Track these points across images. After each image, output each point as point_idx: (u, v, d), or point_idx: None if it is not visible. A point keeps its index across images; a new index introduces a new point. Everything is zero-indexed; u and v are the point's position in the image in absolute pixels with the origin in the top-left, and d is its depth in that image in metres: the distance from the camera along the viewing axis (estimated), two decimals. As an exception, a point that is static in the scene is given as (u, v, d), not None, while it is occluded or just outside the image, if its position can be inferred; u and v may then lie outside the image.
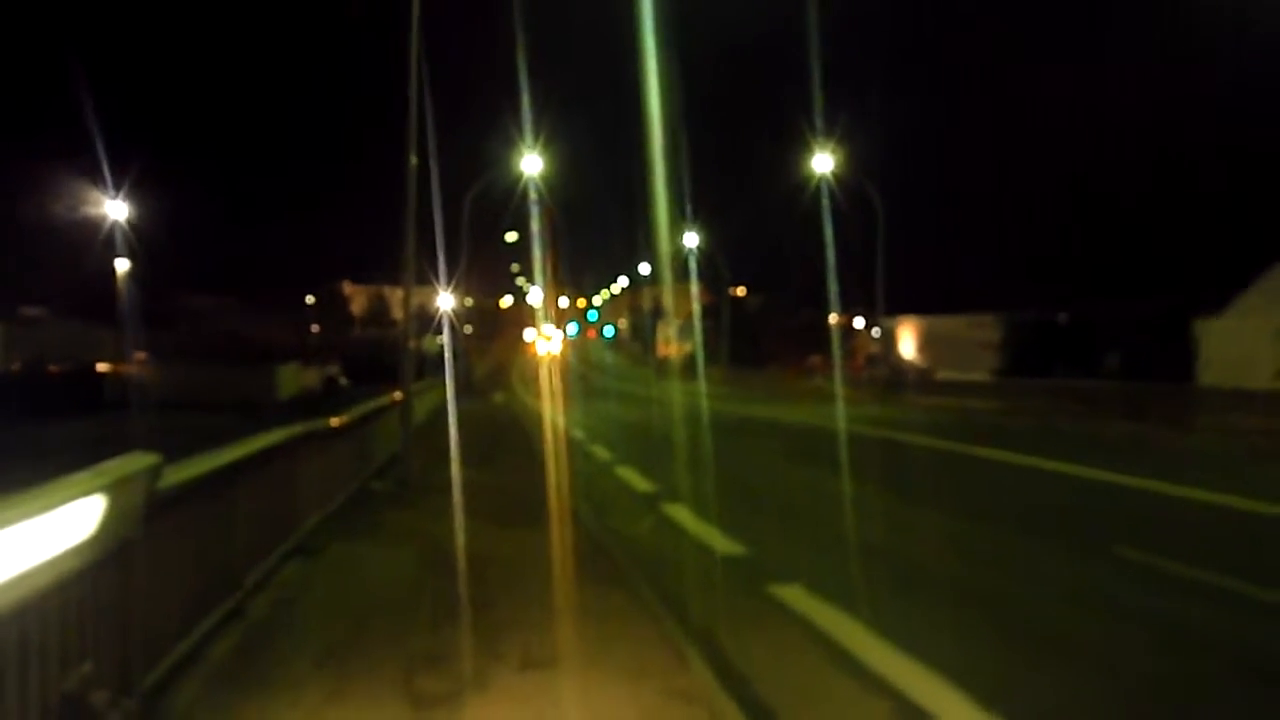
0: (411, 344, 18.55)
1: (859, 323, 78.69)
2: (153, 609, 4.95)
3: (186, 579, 5.63)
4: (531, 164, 39.41)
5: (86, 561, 4.07)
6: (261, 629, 6.46)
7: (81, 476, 4.04)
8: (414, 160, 13.44)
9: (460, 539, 9.94)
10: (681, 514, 12.00)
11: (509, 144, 38.78)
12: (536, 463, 17.44)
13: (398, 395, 16.69)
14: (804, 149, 42.39)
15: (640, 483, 15.08)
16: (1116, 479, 15.01)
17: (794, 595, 7.91)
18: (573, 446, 21.34)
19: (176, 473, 5.17)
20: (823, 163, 41.37)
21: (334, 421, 10.66)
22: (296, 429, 8.55)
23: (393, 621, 6.78)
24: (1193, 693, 5.94)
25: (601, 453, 19.70)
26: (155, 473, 4.70)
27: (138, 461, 4.53)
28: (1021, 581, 8.81)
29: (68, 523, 3.81)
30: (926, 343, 72.13)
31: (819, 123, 40.63)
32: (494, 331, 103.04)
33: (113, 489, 4.16)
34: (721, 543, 10.17)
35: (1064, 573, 9.07)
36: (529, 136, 38.00)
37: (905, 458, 19.23)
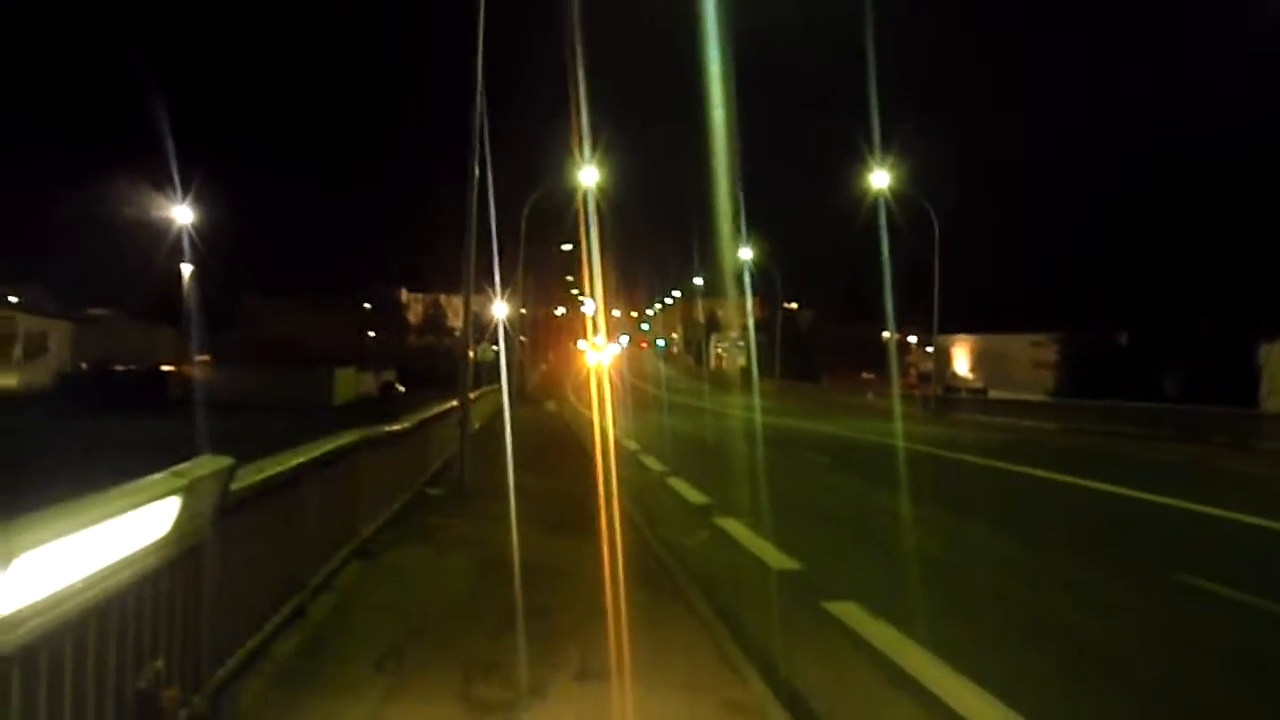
0: (481, 353, 18.66)
1: (912, 339, 78.06)
2: (221, 608, 5.06)
3: (254, 579, 5.75)
4: (588, 175, 39.61)
5: (163, 560, 4.18)
6: (323, 630, 6.57)
7: (160, 477, 4.16)
8: (476, 172, 13.58)
9: (515, 546, 10.01)
10: (735, 527, 11.98)
11: (566, 154, 39.03)
12: (589, 471, 17.50)
13: (454, 402, 16.88)
14: (861, 164, 42.25)
15: (693, 495, 15.08)
16: (1177, 503, 14.73)
17: (849, 612, 7.86)
18: (625, 456, 21.40)
19: (248, 475, 5.29)
20: (879, 179, 41.13)
21: (394, 427, 10.80)
22: (358, 434, 8.67)
23: (451, 627, 6.86)
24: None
25: (654, 464, 19.73)
26: (229, 475, 4.82)
27: (213, 463, 4.64)
28: (1082, 607, 8.69)
29: (147, 522, 3.92)
30: (980, 361, 71.33)
31: (876, 138, 40.45)
32: (547, 341, 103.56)
33: (189, 490, 4.27)
34: (775, 557, 10.16)
35: (1127, 598, 8.94)
36: (586, 147, 38.20)
37: (960, 477, 19.03)
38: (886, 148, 40.64)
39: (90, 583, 3.47)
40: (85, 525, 3.33)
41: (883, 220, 41.57)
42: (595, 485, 15.73)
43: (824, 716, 5.64)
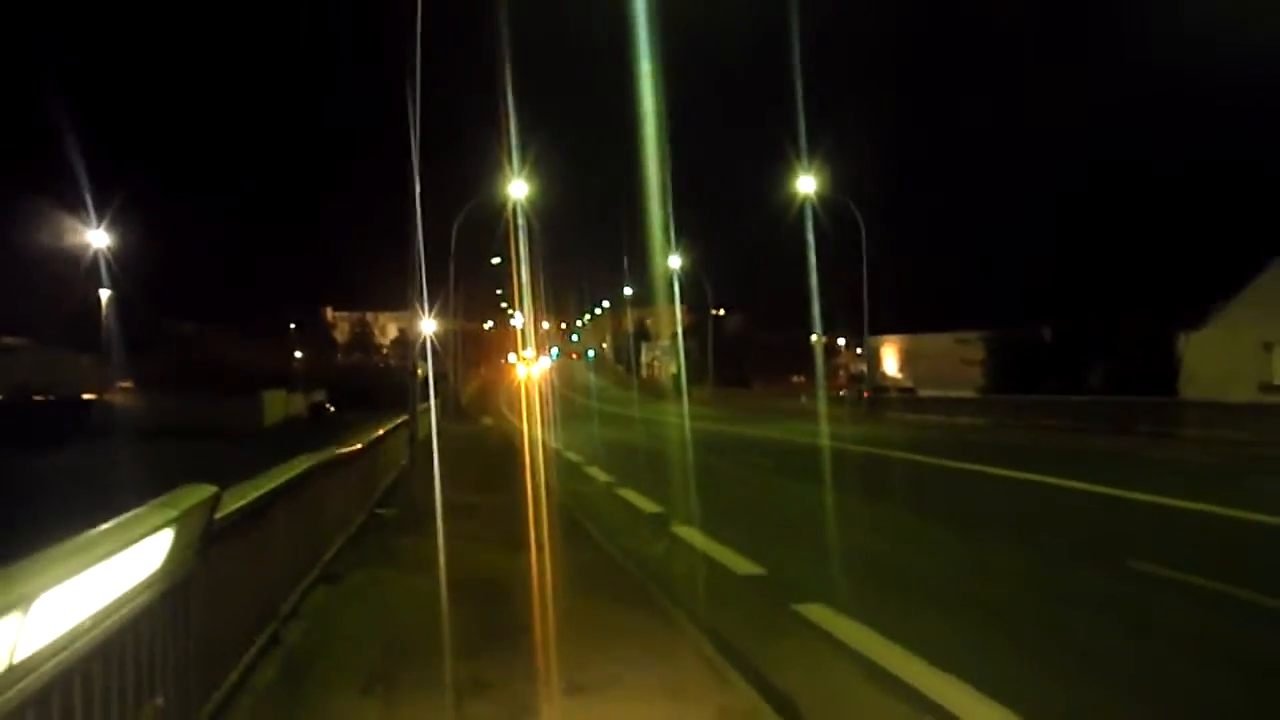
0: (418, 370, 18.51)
1: (841, 341, 79.12)
2: (206, 640, 4.96)
3: (233, 608, 5.63)
4: (517, 188, 39.52)
5: (156, 594, 4.09)
6: (301, 656, 6.45)
7: (152, 509, 4.06)
8: (418, 188, 13.49)
9: (479, 564, 9.96)
10: (692, 534, 12.04)
11: (496, 165, 38.89)
12: (537, 485, 17.43)
13: (396, 422, 16.71)
14: (787, 169, 42.74)
15: (645, 504, 15.11)
16: (1108, 491, 15.17)
17: (819, 613, 7.95)
18: (570, 469, 21.36)
19: (227, 503, 5.19)
20: (806, 183, 41.63)
21: (347, 449, 10.66)
22: (318, 457, 8.54)
23: (429, 648, 6.78)
24: (1208, 693, 6.06)
25: (600, 474, 19.71)
26: (214, 504, 4.72)
27: (199, 493, 4.55)
28: (1040, 594, 8.90)
29: (144, 556, 3.83)
30: (909, 361, 72.50)
31: (802, 143, 40.95)
32: (477, 355, 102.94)
33: (180, 521, 4.18)
34: (738, 562, 10.22)
35: (1079, 584, 9.16)
36: (514, 160, 38.09)
37: (900, 475, 19.33)
38: (814, 153, 41.18)
39: (96, 621, 3.38)
40: (93, 562, 3.25)
41: (809, 224, 42.11)
42: (545, 499, 15.67)
43: (815, 718, 5.69)
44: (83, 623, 3.26)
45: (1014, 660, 6.83)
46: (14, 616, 2.70)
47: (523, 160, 37.97)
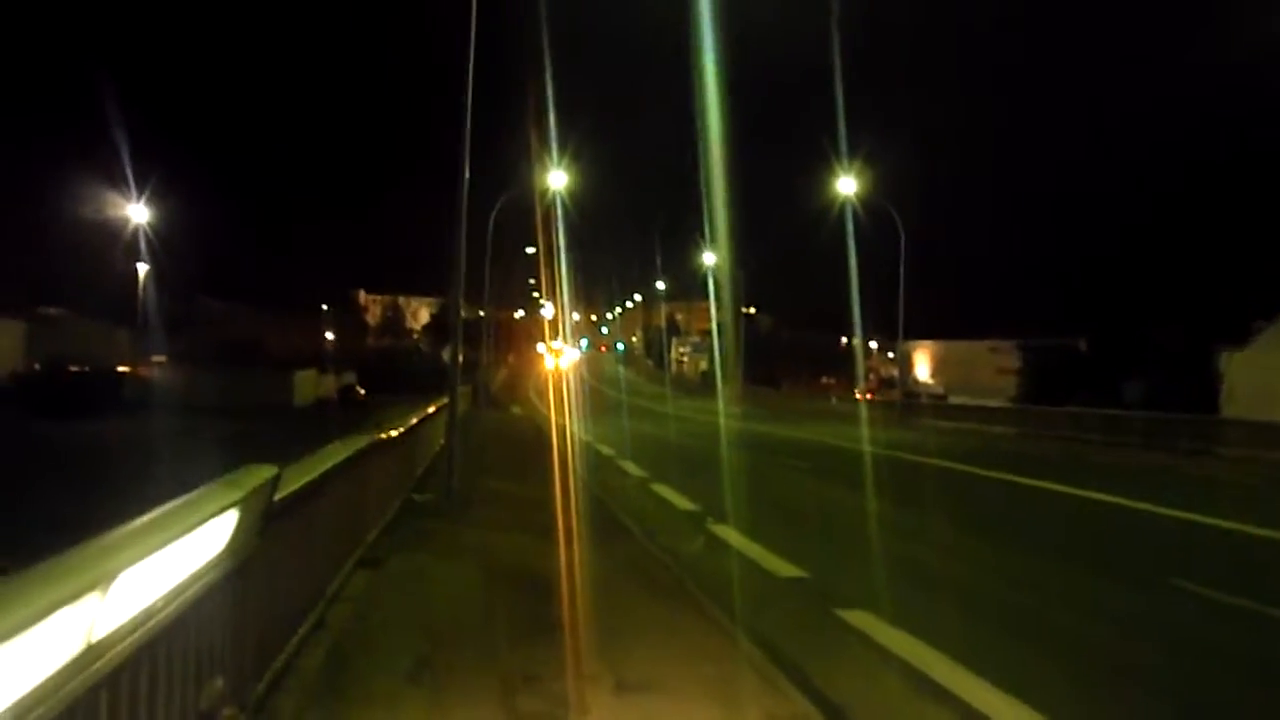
0: (445, 355, 18.43)
1: (873, 345, 78.69)
2: (259, 621, 4.91)
3: (284, 591, 5.59)
4: (556, 178, 39.42)
5: (220, 574, 4.03)
6: (346, 641, 6.40)
7: (218, 489, 4.01)
8: (467, 177, 13.42)
9: (517, 553, 9.92)
10: (730, 534, 11.93)
11: (526, 155, 38.79)
12: (571, 477, 17.38)
13: (430, 408, 16.66)
14: (824, 171, 42.43)
15: (680, 501, 15.01)
16: (1151, 508, 14.92)
17: (863, 620, 7.84)
18: (603, 462, 21.30)
19: (285, 484, 5.13)
20: (846, 185, 41.30)
21: (391, 433, 10.62)
22: (368, 439, 8.52)
23: (474, 638, 6.72)
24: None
25: (633, 469, 19.63)
26: (274, 485, 4.67)
27: (262, 473, 4.49)
28: (1083, 611, 8.73)
29: (211, 536, 3.78)
30: (941, 367, 72.02)
31: (842, 145, 40.66)
32: (507, 344, 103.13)
33: (245, 501, 4.12)
34: (778, 564, 10.12)
35: (1123, 601, 8.99)
36: (554, 151, 38.02)
37: (937, 483, 19.14)
38: (853, 155, 40.87)
39: (167, 601, 3.33)
40: (168, 541, 3.19)
41: (849, 226, 41.80)
42: (579, 491, 15.62)
43: (866, 729, 5.59)
44: (155, 603, 3.20)
45: (1063, 677, 6.69)
46: (94, 595, 2.64)
47: (562, 150, 37.89)
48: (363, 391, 63.53)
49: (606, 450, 23.98)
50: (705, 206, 60.78)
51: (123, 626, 2.92)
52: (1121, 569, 10.62)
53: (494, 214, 41.80)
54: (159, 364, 54.28)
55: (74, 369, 47.94)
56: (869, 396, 56.67)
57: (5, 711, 2.22)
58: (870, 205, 41.85)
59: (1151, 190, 46.79)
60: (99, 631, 2.74)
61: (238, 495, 4.04)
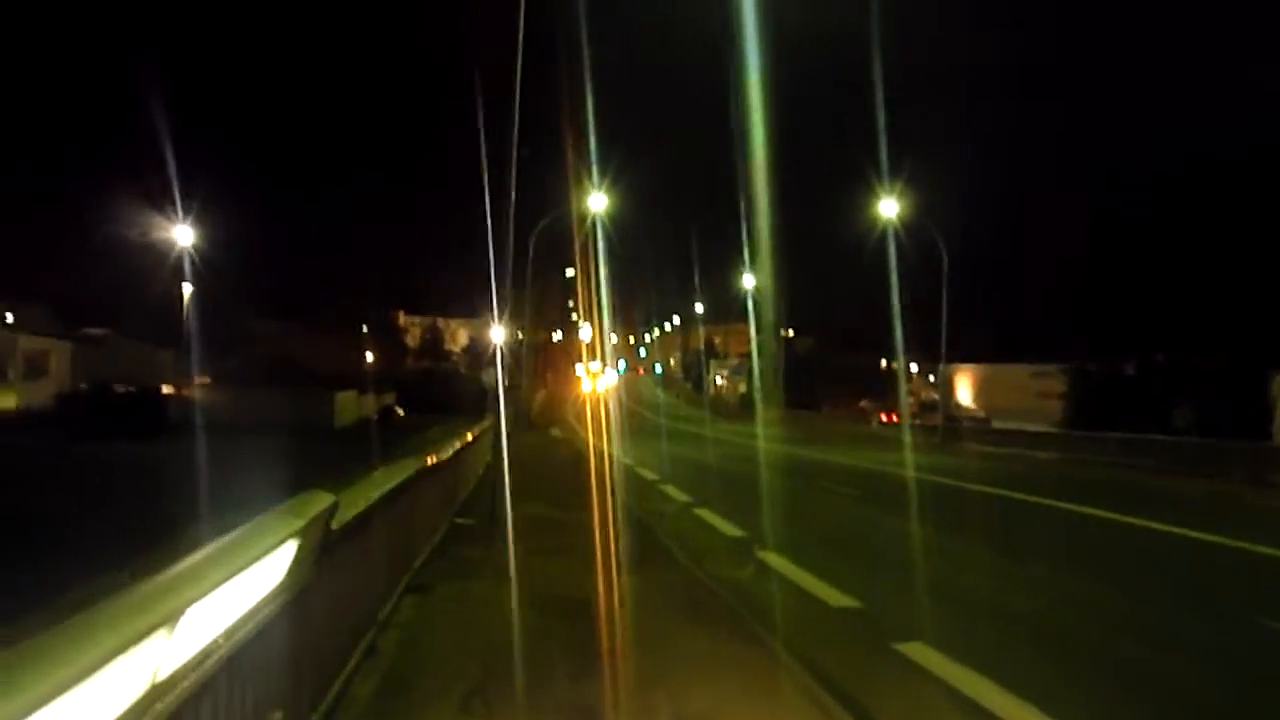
0: (485, 378, 18.44)
1: (913, 368, 78.00)
2: (315, 650, 4.81)
3: (338, 618, 5.50)
4: (596, 201, 39.57)
5: (278, 606, 3.94)
6: (397, 669, 6.31)
7: (277, 519, 3.92)
8: (514, 200, 13.38)
9: (564, 580, 9.78)
10: (779, 562, 11.71)
11: (568, 180, 38.97)
12: (614, 502, 17.24)
13: (472, 433, 16.62)
14: (869, 194, 42.17)
15: (726, 527, 14.81)
16: (1230, 542, 14.48)
17: (922, 653, 7.61)
18: (645, 486, 21.14)
19: (341, 511, 5.05)
20: (888, 207, 41.03)
21: (439, 457, 10.56)
22: (413, 465, 8.45)
23: (525, 666, 6.60)
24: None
25: (676, 493, 19.45)
26: (332, 513, 4.58)
27: (319, 501, 4.41)
28: (1149, 643, 8.44)
29: (273, 567, 3.69)
30: (983, 390, 71.17)
31: (884, 165, 40.42)
32: (544, 366, 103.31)
33: (304, 531, 4.04)
34: (829, 594, 9.90)
35: (1214, 641, 8.68)
36: (594, 173, 38.17)
37: (990, 510, 18.78)
38: (895, 176, 40.62)
39: (229, 634, 3.24)
40: (233, 574, 3.10)
41: (891, 248, 41.47)
42: (625, 516, 15.48)
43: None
44: (218, 638, 3.11)
45: (1126, 713, 6.44)
46: (162, 633, 2.54)
47: (602, 172, 38.01)
48: (402, 412, 63.86)
49: (649, 474, 23.81)
50: (745, 228, 60.60)
51: (187, 663, 2.83)
52: (1198, 602, 10.28)
53: (533, 237, 42.00)
54: (203, 385, 54.83)
55: (119, 390, 48.54)
56: (913, 420, 56.08)
57: None
58: (912, 226, 41.58)
59: (1199, 208, 45.98)
60: (164, 670, 2.65)
61: (298, 525, 3.96)
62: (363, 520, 5.74)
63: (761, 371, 71.58)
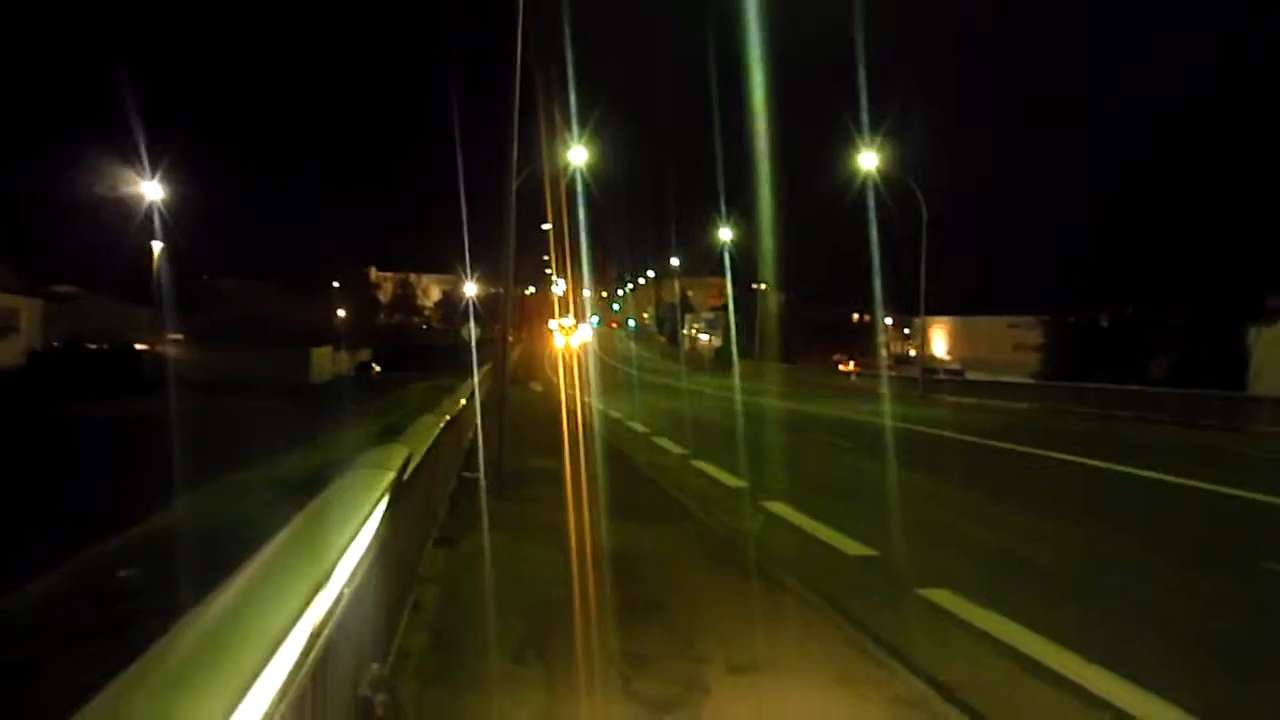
0: (464, 333, 18.33)
1: (888, 322, 78.46)
2: (384, 603, 4.85)
3: (393, 571, 5.53)
4: (577, 155, 39.18)
5: (372, 559, 3.97)
6: (443, 623, 6.36)
7: (373, 472, 3.94)
8: (515, 158, 13.28)
9: (583, 530, 9.85)
10: (787, 511, 11.85)
11: (547, 130, 38.52)
12: (611, 454, 17.35)
13: (460, 398, 16.58)
14: (844, 146, 42.12)
15: (726, 477, 14.94)
16: (1200, 484, 14.79)
17: (947, 599, 7.76)
18: (638, 439, 21.24)
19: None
20: (868, 160, 40.98)
21: (449, 414, 10.57)
22: (436, 420, 8.45)
23: (568, 617, 6.67)
24: None
25: (670, 445, 19.57)
26: (406, 465, 4.60)
27: (398, 454, 4.43)
28: (1160, 586, 8.64)
29: (373, 521, 3.71)
30: (959, 343, 71.81)
31: (864, 118, 40.34)
32: (520, 321, 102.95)
33: (391, 486, 4.06)
34: (845, 542, 10.03)
35: (1228, 588, 8.89)
36: (573, 125, 37.75)
37: (980, 460, 19.05)
38: (874, 130, 40.53)
39: (350, 583, 3.26)
40: (360, 526, 3.12)
41: (870, 201, 41.53)
42: (624, 468, 15.59)
43: (984, 710, 5.50)
44: (342, 589, 3.13)
45: (1161, 653, 6.59)
46: (321, 595, 2.56)
47: (581, 124, 37.62)
48: (378, 368, 63.59)
49: (640, 428, 23.91)
50: (721, 181, 60.44)
51: (325, 615, 2.85)
52: (1202, 547, 10.50)
53: (514, 190, 41.61)
54: (176, 342, 54.30)
55: (92, 347, 47.96)
56: (887, 371, 56.51)
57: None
58: (891, 181, 41.60)
59: (1173, 161, 46.17)
60: (314, 622, 2.67)
61: (389, 477, 3.98)
62: (415, 472, 5.76)
63: (738, 325, 71.71)
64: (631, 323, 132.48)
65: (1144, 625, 7.42)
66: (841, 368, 67.80)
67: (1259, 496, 13.82)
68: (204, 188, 63.60)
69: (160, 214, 57.56)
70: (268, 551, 2.47)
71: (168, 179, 57.11)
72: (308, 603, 2.27)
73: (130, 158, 55.21)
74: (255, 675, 1.87)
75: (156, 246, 58.60)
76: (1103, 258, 44.87)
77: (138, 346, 50.08)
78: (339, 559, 2.66)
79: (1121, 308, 44.50)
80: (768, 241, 65.11)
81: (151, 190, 56.60)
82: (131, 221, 57.16)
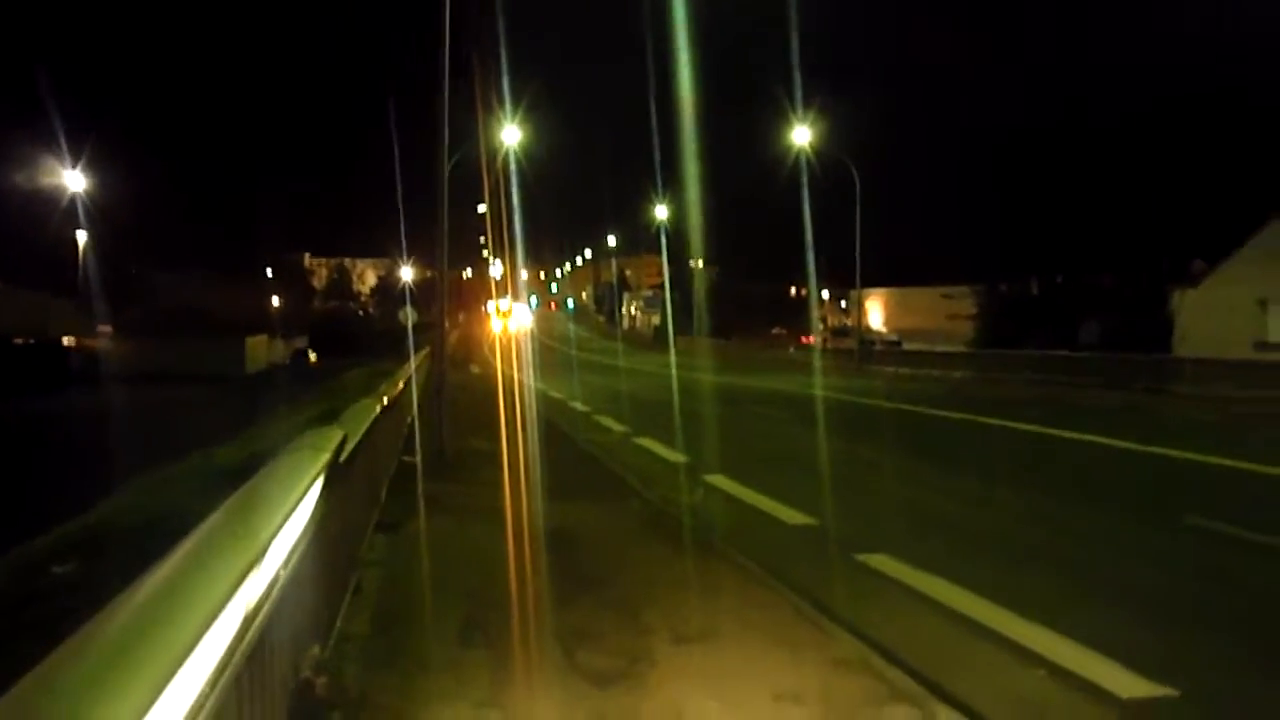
0: (401, 318, 18.22)
1: (824, 294, 79.18)
2: (323, 586, 4.81)
3: (333, 555, 5.49)
4: (510, 135, 38.87)
5: (309, 540, 3.93)
6: (384, 606, 6.33)
7: (307, 452, 3.90)
8: (445, 141, 13.15)
9: (524, 511, 9.84)
10: (726, 484, 11.96)
11: (474, 113, 38.23)
12: (553, 433, 17.33)
13: (399, 381, 16.46)
14: (775, 122, 42.35)
15: (667, 453, 15.03)
16: (1130, 445, 15.20)
17: (885, 563, 7.89)
18: (580, 418, 21.25)
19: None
20: (801, 135, 41.22)
21: (391, 394, 10.48)
22: (380, 399, 8.38)
23: (513, 597, 6.67)
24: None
25: (613, 424, 19.60)
26: (342, 447, 4.56)
27: (334, 436, 4.39)
28: (1091, 543, 8.89)
29: (309, 502, 3.67)
30: (894, 314, 72.70)
31: (798, 94, 40.58)
32: (457, 304, 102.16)
33: (328, 466, 4.02)
34: (784, 512, 10.15)
35: (1153, 542, 9.13)
36: (507, 104, 37.43)
37: (913, 427, 19.36)
38: (807, 105, 40.77)
39: (285, 564, 3.23)
40: (294, 506, 3.09)
41: (804, 176, 41.78)
42: (568, 448, 15.59)
43: (922, 667, 5.60)
44: (278, 568, 3.11)
45: (1090, 610, 6.76)
46: (253, 573, 2.54)
47: (515, 104, 37.31)
48: (314, 355, 62.74)
49: (581, 407, 23.92)
50: (657, 159, 60.41)
51: (263, 594, 2.83)
52: (1130, 506, 10.75)
53: (445, 174, 41.17)
54: (105, 335, 53.10)
55: (17, 341, 46.71)
56: (824, 344, 57.13)
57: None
58: (821, 154, 41.86)
59: (1099, 128, 47.12)
60: (249, 602, 2.65)
61: (325, 458, 3.94)
62: (353, 455, 5.71)
63: (674, 302, 71.89)
64: (570, 303, 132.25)
65: (1075, 583, 7.62)
66: (793, 341, 68.31)
67: (1183, 454, 14.22)
68: (128, 176, 61.88)
69: (84, 205, 56.14)
70: (198, 534, 2.44)
71: (92, 169, 55.73)
72: (239, 584, 2.25)
73: (51, 146, 53.73)
74: (185, 657, 1.85)
75: (81, 237, 57.18)
76: (1034, 226, 45.69)
77: (64, 340, 48.89)
78: (271, 540, 2.64)
79: (1052, 276, 45.38)
80: (696, 217, 65.30)
81: (74, 179, 55.19)
82: (53, 212, 55.67)
